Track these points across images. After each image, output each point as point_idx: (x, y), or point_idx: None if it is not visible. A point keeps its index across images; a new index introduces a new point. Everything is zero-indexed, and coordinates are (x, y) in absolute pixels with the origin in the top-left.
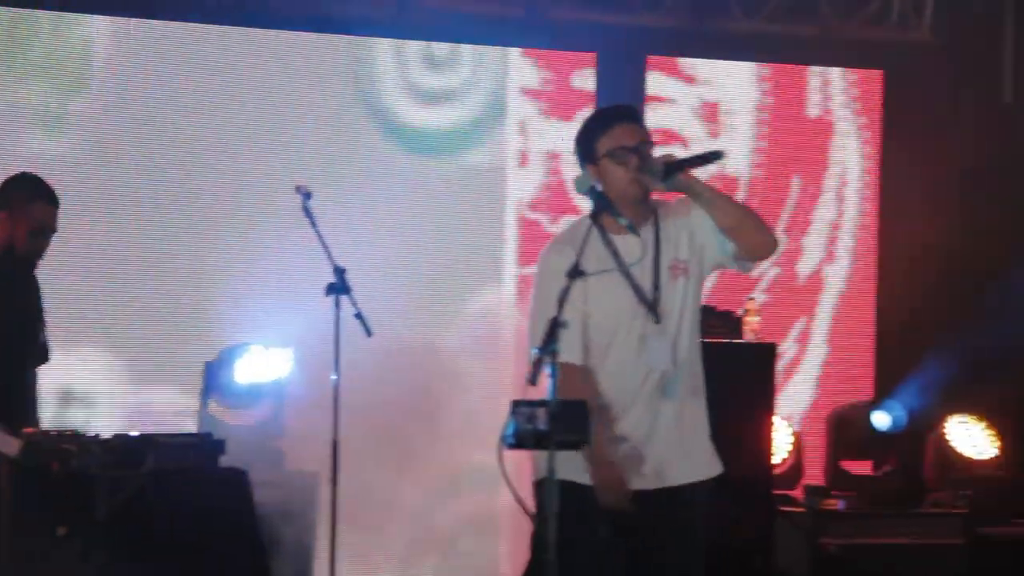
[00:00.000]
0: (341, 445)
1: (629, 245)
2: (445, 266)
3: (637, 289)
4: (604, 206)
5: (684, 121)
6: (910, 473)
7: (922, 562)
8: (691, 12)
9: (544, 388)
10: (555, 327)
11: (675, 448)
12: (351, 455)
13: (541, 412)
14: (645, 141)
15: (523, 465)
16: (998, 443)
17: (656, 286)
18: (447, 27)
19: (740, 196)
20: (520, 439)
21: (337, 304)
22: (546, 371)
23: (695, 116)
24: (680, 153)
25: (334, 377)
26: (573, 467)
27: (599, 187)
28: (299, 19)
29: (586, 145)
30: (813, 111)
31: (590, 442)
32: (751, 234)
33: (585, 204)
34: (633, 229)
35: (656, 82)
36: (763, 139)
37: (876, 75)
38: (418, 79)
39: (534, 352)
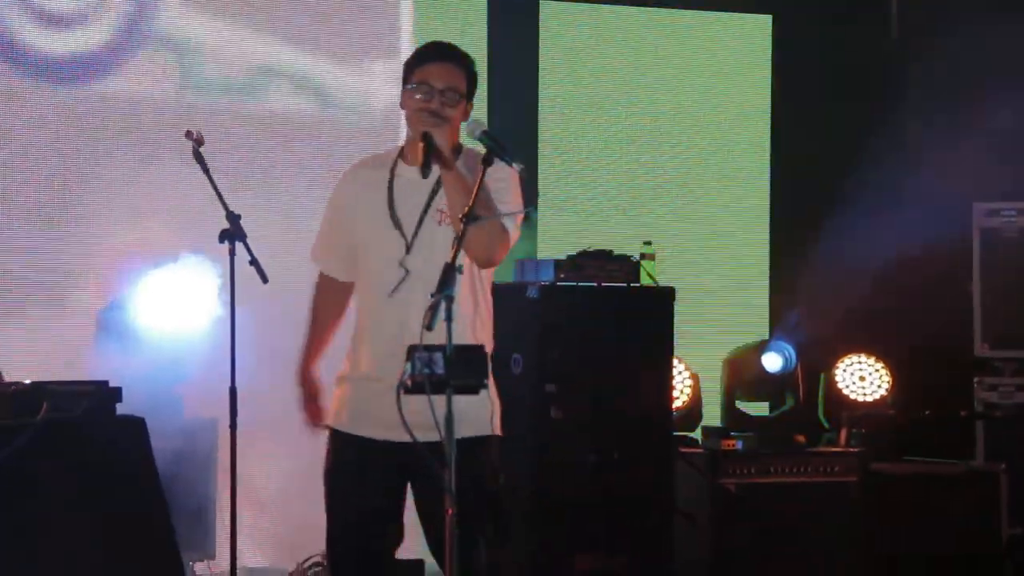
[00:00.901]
0: (240, 392)
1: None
2: None
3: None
4: (494, 147)
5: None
6: (804, 413)
7: (818, 499)
8: None
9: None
10: (449, 272)
11: None
12: (251, 402)
13: (438, 356)
14: (452, 89)
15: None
16: (889, 381)
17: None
18: None
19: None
20: (417, 383)
21: (232, 251)
22: (442, 316)
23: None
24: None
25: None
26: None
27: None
28: None
29: (404, 71)
30: (705, 56)
31: (486, 386)
32: (471, 236)
33: None
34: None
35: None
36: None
37: (765, 19)
38: None
39: (430, 297)
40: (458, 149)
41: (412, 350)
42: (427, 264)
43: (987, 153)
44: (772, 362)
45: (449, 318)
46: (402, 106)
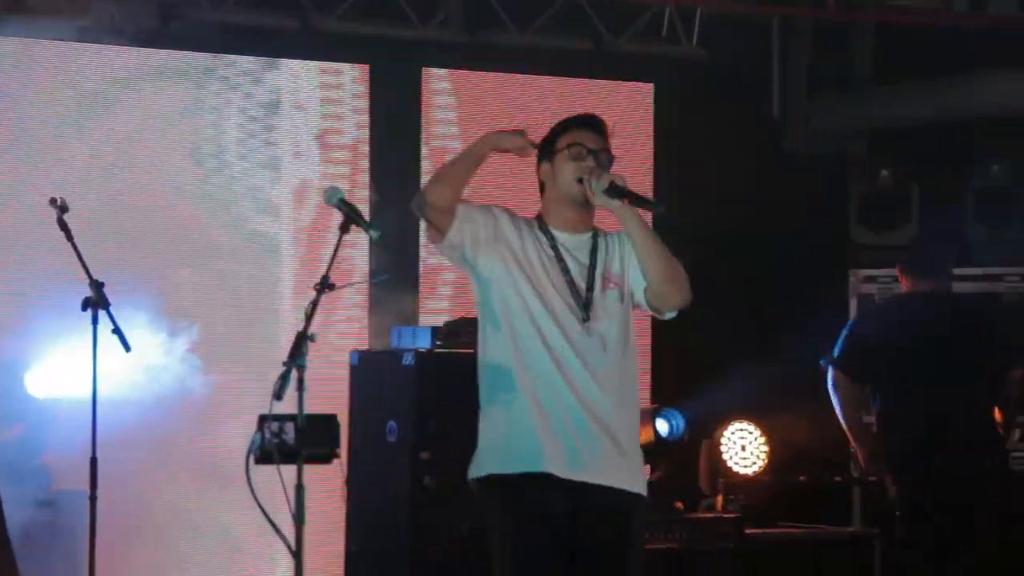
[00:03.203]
0: (102, 463)
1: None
2: None
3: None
4: (351, 213)
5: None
6: (683, 479)
7: (694, 564)
8: (464, 25)
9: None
10: (301, 340)
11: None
12: (115, 471)
13: (289, 426)
14: (605, 151)
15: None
16: (767, 450)
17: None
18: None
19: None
20: (266, 453)
21: (95, 319)
22: (293, 386)
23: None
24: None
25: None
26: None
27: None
28: None
29: (549, 139)
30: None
31: (338, 455)
32: (666, 284)
33: None
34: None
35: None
36: None
37: (647, 88)
38: None
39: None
40: None
41: (262, 419)
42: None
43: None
44: (661, 427)
45: (300, 387)
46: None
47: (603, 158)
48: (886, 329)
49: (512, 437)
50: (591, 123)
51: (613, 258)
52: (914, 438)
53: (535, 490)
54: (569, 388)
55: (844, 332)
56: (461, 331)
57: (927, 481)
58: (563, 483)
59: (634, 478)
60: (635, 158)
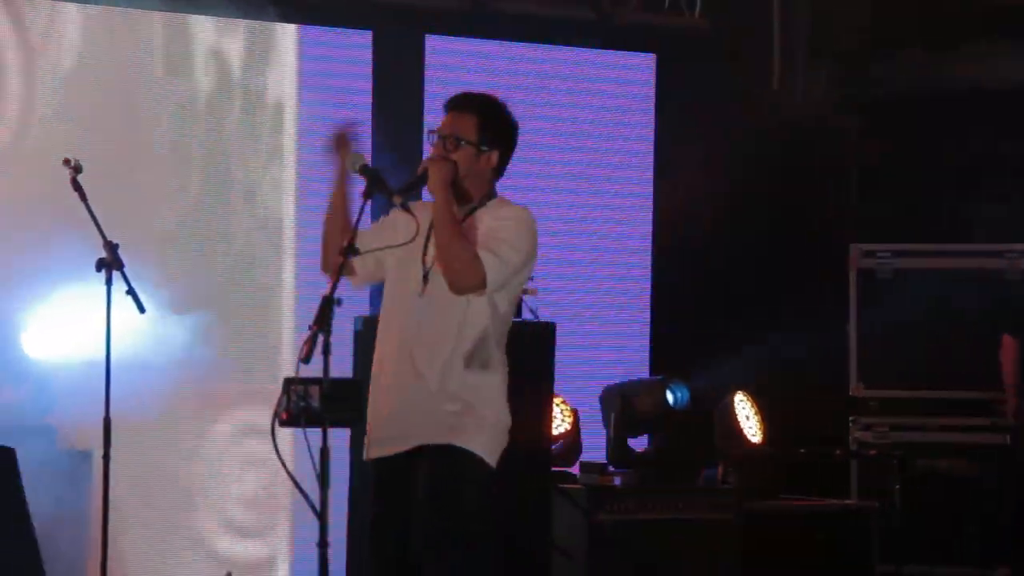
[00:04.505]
0: (115, 424)
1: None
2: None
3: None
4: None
5: None
6: (684, 450)
7: (694, 536)
8: None
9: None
10: (327, 305)
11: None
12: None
13: (314, 390)
14: (439, 134)
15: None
16: (765, 423)
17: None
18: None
19: None
20: (292, 416)
21: (109, 279)
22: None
23: None
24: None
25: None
26: None
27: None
28: None
29: None
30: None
31: (364, 419)
32: (446, 262)
33: None
34: (405, 207)
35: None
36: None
37: (649, 58)
38: None
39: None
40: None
41: (287, 383)
42: None
43: (864, 194)
44: (668, 398)
45: (326, 351)
46: None
47: (434, 140)
48: None
49: None
50: (447, 104)
51: None
52: None
53: None
54: None
55: None
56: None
57: None
58: None
59: None
60: (636, 128)
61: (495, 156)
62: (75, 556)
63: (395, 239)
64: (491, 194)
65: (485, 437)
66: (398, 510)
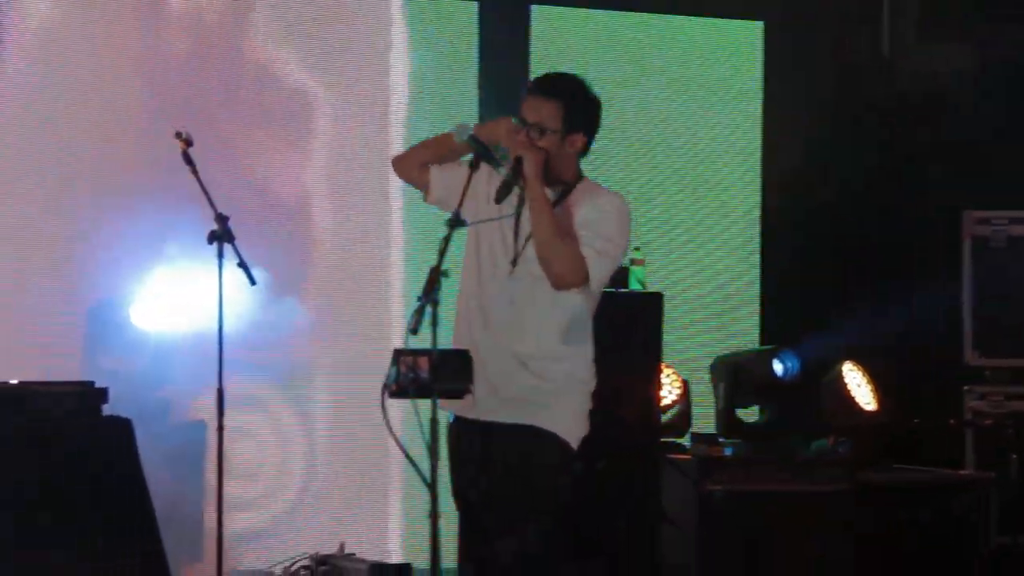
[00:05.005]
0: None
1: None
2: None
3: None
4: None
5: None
6: (795, 420)
7: (806, 507)
8: None
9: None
10: (435, 277)
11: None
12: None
13: (423, 361)
14: (536, 125)
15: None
16: (878, 392)
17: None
18: None
19: None
20: (402, 387)
21: (220, 252)
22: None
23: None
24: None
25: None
26: None
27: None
28: None
29: None
30: (694, 63)
31: (471, 390)
32: (548, 260)
33: None
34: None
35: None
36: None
37: (756, 26)
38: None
39: (416, 301)
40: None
41: (397, 353)
42: None
43: (977, 162)
44: (777, 368)
45: (435, 323)
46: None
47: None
48: None
49: None
50: (532, 89)
51: None
52: None
53: None
54: None
55: None
56: None
57: None
58: None
59: None
60: (744, 97)
61: (580, 139)
62: (192, 527)
63: (476, 204)
64: (579, 175)
65: (568, 418)
66: (473, 479)
